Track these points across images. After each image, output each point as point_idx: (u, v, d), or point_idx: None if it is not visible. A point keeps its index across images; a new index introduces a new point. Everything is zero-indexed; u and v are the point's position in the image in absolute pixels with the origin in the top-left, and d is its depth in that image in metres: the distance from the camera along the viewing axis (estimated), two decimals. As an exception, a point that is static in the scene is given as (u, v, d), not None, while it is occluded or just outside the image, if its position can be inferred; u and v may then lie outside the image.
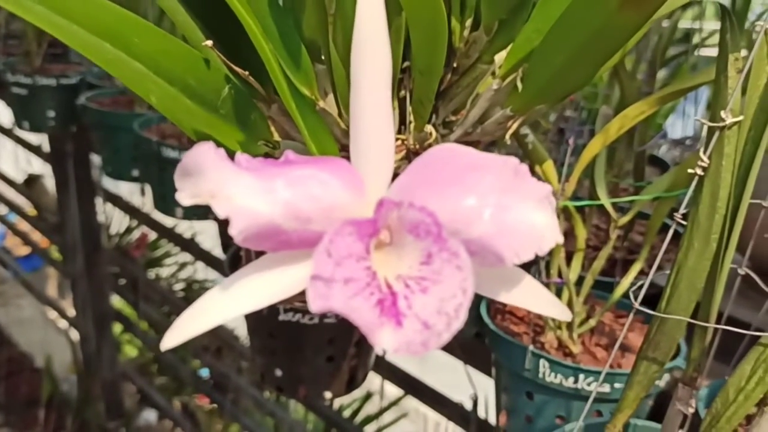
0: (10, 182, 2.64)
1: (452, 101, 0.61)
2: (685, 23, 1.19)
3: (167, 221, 1.88)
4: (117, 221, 2.44)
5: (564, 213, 0.78)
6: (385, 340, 0.32)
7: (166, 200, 1.40)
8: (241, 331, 2.13)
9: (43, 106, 1.68)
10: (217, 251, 1.64)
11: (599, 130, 0.72)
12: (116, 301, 2.27)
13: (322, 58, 0.54)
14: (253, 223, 0.33)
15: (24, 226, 2.77)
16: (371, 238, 0.33)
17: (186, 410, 2.26)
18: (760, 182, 0.49)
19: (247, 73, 0.53)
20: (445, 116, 0.61)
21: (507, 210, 0.36)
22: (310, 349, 0.87)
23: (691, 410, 0.52)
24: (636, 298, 0.51)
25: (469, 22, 0.57)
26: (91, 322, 2.13)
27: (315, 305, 0.32)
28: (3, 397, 2.56)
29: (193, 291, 2.46)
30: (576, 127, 1.05)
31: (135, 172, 1.54)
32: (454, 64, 0.59)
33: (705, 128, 0.47)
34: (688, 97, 1.17)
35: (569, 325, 0.79)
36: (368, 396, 2.10)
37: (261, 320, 0.87)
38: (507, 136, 0.59)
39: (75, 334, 2.44)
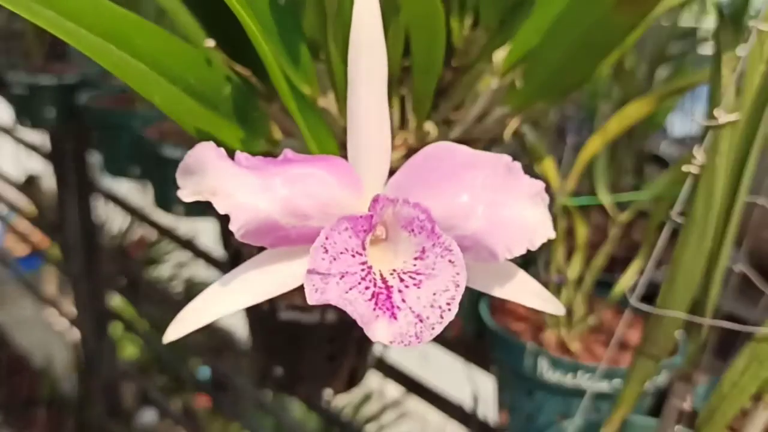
0: (10, 182, 2.64)
1: (452, 99, 0.61)
2: (689, 21, 1.19)
3: (168, 220, 1.88)
4: (117, 220, 2.44)
5: (565, 211, 0.79)
6: (379, 333, 0.33)
7: (166, 198, 1.40)
8: (242, 331, 2.13)
9: (44, 105, 1.68)
10: (218, 250, 1.64)
11: (598, 129, 0.73)
12: (116, 300, 2.27)
13: (323, 56, 0.55)
14: (252, 219, 0.33)
15: (24, 226, 2.77)
16: (367, 234, 0.34)
17: (186, 410, 2.26)
18: (756, 179, 0.49)
19: (249, 71, 0.54)
20: (445, 114, 0.62)
21: (499, 206, 0.37)
22: (310, 348, 0.87)
23: (687, 405, 0.52)
24: (630, 294, 0.52)
25: (468, 22, 0.57)
26: (91, 321, 2.13)
27: (312, 298, 0.33)
28: (3, 397, 2.56)
29: (194, 290, 2.46)
30: (576, 126, 1.06)
31: (135, 171, 1.54)
32: (454, 63, 0.59)
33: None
34: (690, 94, 1.17)
35: (569, 323, 0.80)
36: (368, 396, 2.10)
37: (261, 319, 0.87)
38: (506, 134, 0.60)
39: (75, 334, 2.44)
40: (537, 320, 0.83)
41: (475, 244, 0.36)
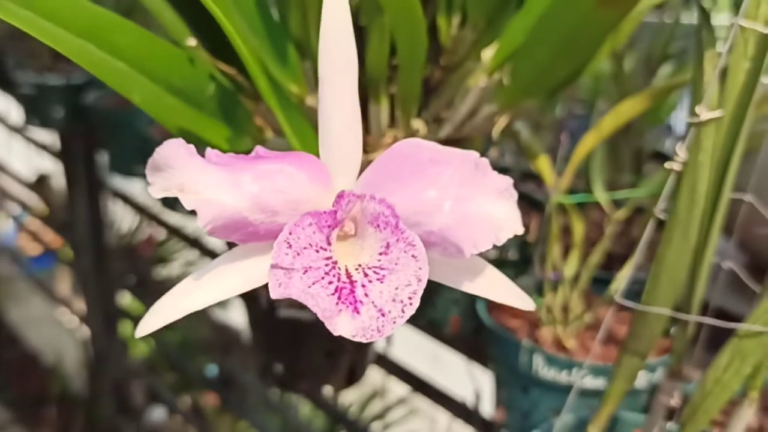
0: (22, 181, 2.66)
1: (442, 97, 0.61)
2: (691, 18, 1.18)
3: (176, 219, 1.89)
4: (126, 219, 2.45)
5: (560, 208, 0.79)
6: (342, 326, 0.34)
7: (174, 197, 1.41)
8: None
9: (52, 105, 1.70)
10: (225, 249, 1.65)
11: (593, 126, 0.73)
12: (126, 298, 2.28)
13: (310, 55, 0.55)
14: (219, 215, 0.34)
15: (36, 225, 2.79)
16: (332, 230, 0.35)
17: (195, 407, 2.27)
18: (741, 176, 0.49)
19: (234, 70, 0.54)
20: (435, 112, 0.62)
21: (466, 202, 0.37)
22: (309, 345, 0.87)
23: (674, 401, 0.52)
24: (624, 292, 0.52)
25: (456, 21, 0.58)
26: (101, 319, 2.14)
27: (275, 293, 0.33)
28: (14, 394, 2.58)
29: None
30: (571, 123, 1.06)
31: (142, 170, 1.55)
32: (443, 62, 0.60)
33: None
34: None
35: (565, 321, 0.80)
36: (374, 394, 2.10)
37: (261, 317, 0.88)
38: (495, 132, 0.60)
39: (85, 332, 2.46)
40: (533, 317, 0.83)
41: (442, 240, 0.37)
